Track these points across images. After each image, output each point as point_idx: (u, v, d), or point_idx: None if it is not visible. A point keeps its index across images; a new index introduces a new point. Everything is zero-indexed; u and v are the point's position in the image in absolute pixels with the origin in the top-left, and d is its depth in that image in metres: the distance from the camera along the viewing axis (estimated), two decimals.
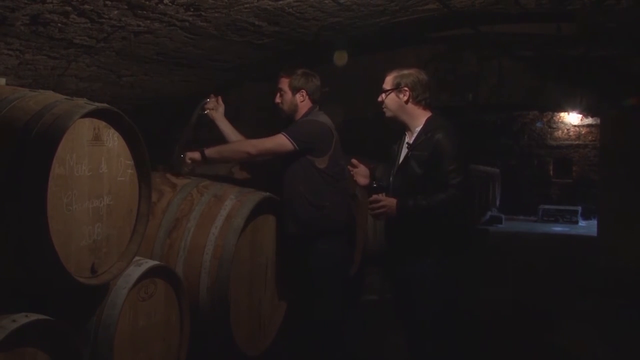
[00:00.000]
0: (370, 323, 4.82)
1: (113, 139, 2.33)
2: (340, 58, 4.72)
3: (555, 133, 13.55)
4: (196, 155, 3.40)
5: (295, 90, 3.46)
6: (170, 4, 2.90)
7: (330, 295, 3.42)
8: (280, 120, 3.68)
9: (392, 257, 3.11)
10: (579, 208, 12.31)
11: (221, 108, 3.65)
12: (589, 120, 12.85)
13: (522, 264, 7.73)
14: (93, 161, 2.23)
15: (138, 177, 2.48)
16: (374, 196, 2.92)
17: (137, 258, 2.53)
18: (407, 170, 2.94)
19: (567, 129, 13.46)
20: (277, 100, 3.53)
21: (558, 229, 11.21)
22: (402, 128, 3.06)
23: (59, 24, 2.83)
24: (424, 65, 5.88)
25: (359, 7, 3.57)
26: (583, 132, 13.32)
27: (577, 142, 13.40)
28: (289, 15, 3.52)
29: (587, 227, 11.10)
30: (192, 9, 3.05)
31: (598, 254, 5.76)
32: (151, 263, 2.58)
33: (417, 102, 2.97)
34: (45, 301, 2.20)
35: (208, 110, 3.62)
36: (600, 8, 3.72)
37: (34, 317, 1.95)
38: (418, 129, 2.96)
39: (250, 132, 3.74)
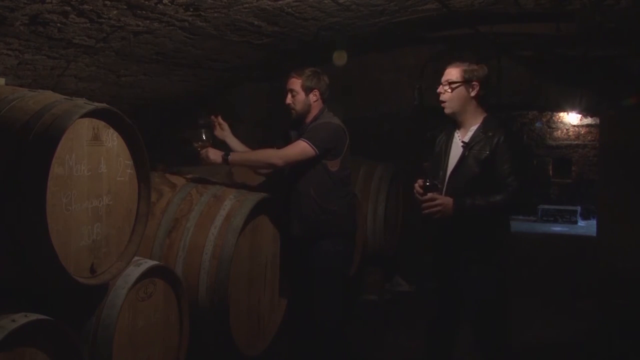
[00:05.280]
0: (370, 323, 4.82)
1: (112, 139, 2.34)
2: (340, 58, 4.71)
3: (555, 133, 13.52)
4: (218, 157, 3.36)
5: (308, 90, 3.42)
6: (169, 4, 2.90)
7: (331, 295, 3.42)
8: (280, 120, 3.67)
9: (444, 258, 3.04)
10: (578, 208, 12.28)
11: (225, 126, 3.59)
12: (588, 120, 12.82)
13: (522, 264, 7.72)
14: (92, 161, 2.23)
15: (137, 177, 2.48)
16: (430, 195, 2.85)
17: (136, 258, 2.53)
18: (464, 170, 2.88)
19: (567, 129, 13.43)
20: (289, 101, 3.47)
21: (557, 228, 11.19)
22: (453, 125, 2.98)
23: (59, 24, 2.83)
24: (423, 65, 5.90)
25: (358, 7, 3.57)
26: (582, 132, 13.30)
27: (576, 142, 13.37)
28: (288, 15, 3.51)
29: (586, 227, 11.08)
30: (191, 9, 3.05)
31: (597, 254, 5.76)
32: (150, 263, 2.58)
33: (481, 100, 2.91)
34: (45, 301, 2.20)
35: (215, 131, 3.56)
36: (600, 8, 3.72)
37: (33, 317, 1.95)
38: (474, 127, 2.89)
39: (250, 131, 3.74)
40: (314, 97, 3.43)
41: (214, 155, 3.36)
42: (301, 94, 3.43)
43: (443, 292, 3.06)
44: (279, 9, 3.35)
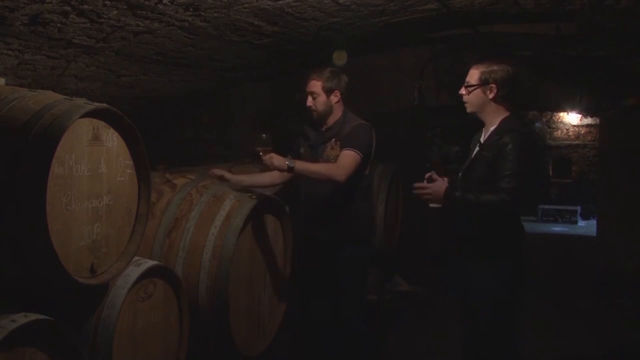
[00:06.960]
0: (370, 323, 4.81)
1: (112, 139, 2.33)
2: (340, 58, 4.71)
3: (555, 133, 13.52)
4: (283, 164, 3.16)
5: (329, 91, 3.36)
6: (169, 4, 2.90)
7: (358, 294, 3.46)
8: (280, 120, 3.65)
9: (455, 257, 3.02)
10: (578, 208, 12.30)
11: (227, 174, 3.50)
12: (588, 120, 12.83)
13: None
14: (92, 161, 2.23)
15: (137, 177, 2.48)
16: (424, 183, 2.83)
17: (136, 258, 2.53)
18: (473, 171, 2.88)
19: (567, 129, 13.44)
20: (310, 103, 3.39)
21: (557, 229, 11.21)
22: (481, 124, 2.96)
23: (59, 24, 2.83)
24: (423, 65, 5.90)
25: (358, 7, 3.57)
26: (582, 132, 13.31)
27: (576, 142, 13.38)
28: (288, 15, 3.52)
29: (586, 227, 11.10)
30: (191, 9, 3.05)
31: (597, 254, 5.77)
32: (150, 263, 2.58)
33: (502, 101, 2.85)
34: (45, 301, 2.20)
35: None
36: (600, 8, 3.72)
37: (33, 317, 1.95)
38: (492, 128, 2.86)
39: (249, 131, 3.73)
40: (335, 97, 3.38)
41: (279, 161, 3.18)
42: (322, 96, 3.36)
43: (459, 292, 3.04)
44: (279, 9, 3.36)
